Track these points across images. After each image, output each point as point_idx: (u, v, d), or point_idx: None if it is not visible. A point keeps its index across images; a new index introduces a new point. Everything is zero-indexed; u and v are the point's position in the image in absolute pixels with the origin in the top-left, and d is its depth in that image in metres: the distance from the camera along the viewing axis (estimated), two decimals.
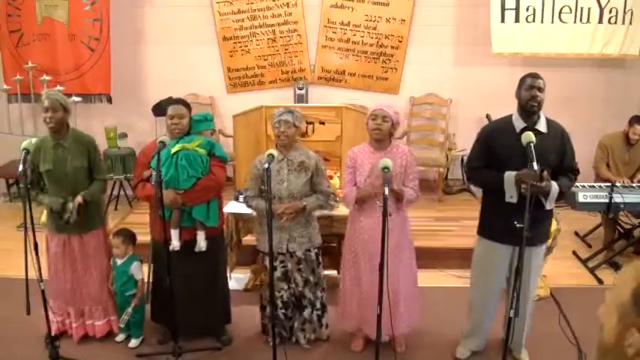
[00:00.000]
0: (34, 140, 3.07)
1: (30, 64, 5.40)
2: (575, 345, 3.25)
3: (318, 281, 3.33)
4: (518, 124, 2.90)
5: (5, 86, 5.50)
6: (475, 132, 3.22)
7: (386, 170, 2.66)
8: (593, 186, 4.40)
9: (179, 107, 3.15)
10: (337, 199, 3.45)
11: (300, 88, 5.83)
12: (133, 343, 3.40)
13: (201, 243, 3.16)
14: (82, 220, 3.14)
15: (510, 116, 2.97)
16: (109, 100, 5.72)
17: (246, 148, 4.30)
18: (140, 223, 4.37)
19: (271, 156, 2.77)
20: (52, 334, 3.19)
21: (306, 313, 3.35)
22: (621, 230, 4.83)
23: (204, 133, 3.26)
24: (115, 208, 5.63)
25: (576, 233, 5.18)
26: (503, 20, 5.48)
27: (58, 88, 4.94)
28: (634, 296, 1.00)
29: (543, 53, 5.54)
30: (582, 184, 4.33)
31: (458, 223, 5.09)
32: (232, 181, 4.87)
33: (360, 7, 5.85)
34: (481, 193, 3.21)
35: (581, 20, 5.47)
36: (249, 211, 3.33)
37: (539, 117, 2.91)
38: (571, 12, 5.46)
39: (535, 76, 2.88)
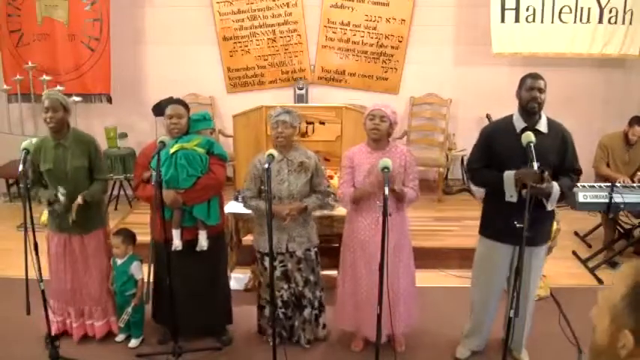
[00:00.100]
0: (34, 140, 3.07)
1: (30, 64, 5.39)
2: (575, 345, 3.25)
3: (317, 281, 3.34)
4: (519, 124, 2.90)
5: (5, 86, 5.50)
6: (475, 132, 3.22)
7: (386, 170, 2.66)
8: (593, 186, 4.39)
9: (177, 107, 3.15)
10: (337, 198, 3.45)
11: (300, 88, 5.83)
12: (133, 343, 3.40)
13: (203, 242, 3.16)
14: (82, 221, 3.14)
15: (511, 116, 2.97)
16: (109, 100, 5.72)
17: (246, 148, 4.30)
18: (140, 223, 4.37)
19: (271, 156, 2.77)
20: (53, 333, 3.19)
21: (307, 312, 3.35)
22: (621, 230, 4.83)
23: (203, 132, 3.26)
24: (115, 208, 5.63)
25: (576, 233, 5.18)
26: (503, 20, 5.48)
27: (58, 88, 4.93)
28: (625, 298, 1.00)
29: (543, 53, 5.54)
30: (582, 184, 4.32)
31: (458, 223, 5.09)
32: (232, 181, 4.87)
33: (360, 7, 5.85)
34: (481, 193, 3.21)
35: (581, 20, 5.47)
36: (249, 211, 3.33)
37: (540, 117, 2.91)
38: (571, 12, 5.46)
39: (535, 76, 2.87)
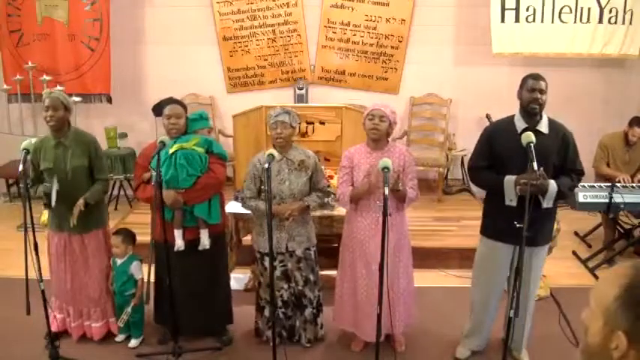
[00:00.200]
0: (34, 140, 3.07)
1: (30, 64, 5.39)
2: (575, 345, 3.25)
3: (317, 280, 3.34)
4: (520, 124, 2.90)
5: (5, 86, 5.50)
6: (475, 132, 3.22)
7: (386, 170, 2.66)
8: (593, 186, 4.39)
9: (176, 107, 3.14)
10: (337, 198, 3.45)
11: (300, 88, 5.83)
12: (133, 343, 3.40)
13: (205, 241, 3.16)
14: (82, 220, 3.14)
15: (512, 116, 2.97)
16: (109, 100, 5.72)
17: (246, 148, 4.30)
18: (140, 223, 4.38)
19: (271, 156, 2.77)
20: (54, 330, 3.19)
21: (307, 312, 3.35)
22: (621, 230, 4.83)
23: (201, 131, 3.26)
24: (115, 208, 5.63)
25: (576, 233, 5.18)
26: (503, 20, 5.47)
27: (58, 88, 4.92)
28: (619, 299, 0.99)
29: (543, 53, 5.53)
30: (582, 184, 4.32)
31: (458, 223, 5.09)
32: (232, 181, 4.87)
33: (360, 7, 5.85)
34: (481, 193, 3.22)
35: (581, 20, 5.47)
36: (248, 211, 3.33)
37: (541, 117, 2.90)
38: (571, 12, 5.46)
39: (537, 77, 2.87)
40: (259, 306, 3.38)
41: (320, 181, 3.26)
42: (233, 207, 3.87)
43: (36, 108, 5.46)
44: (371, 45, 5.95)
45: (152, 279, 3.31)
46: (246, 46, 5.98)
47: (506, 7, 5.45)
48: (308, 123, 4.30)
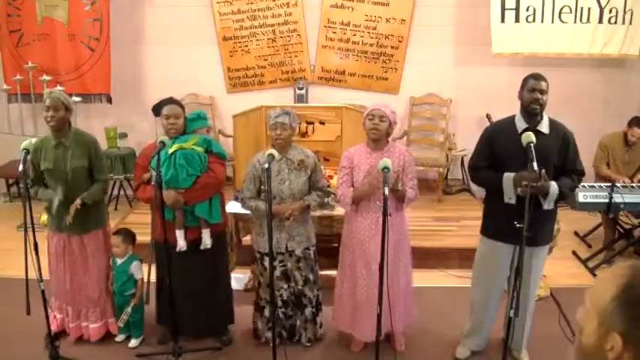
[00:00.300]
0: (34, 140, 3.07)
1: (30, 64, 5.39)
2: None
3: (316, 279, 3.35)
4: (520, 124, 2.90)
5: (5, 86, 5.50)
6: (475, 132, 3.22)
7: (386, 170, 2.66)
8: (593, 186, 4.39)
9: (174, 107, 3.14)
10: (337, 198, 3.45)
11: (300, 88, 5.83)
12: (133, 343, 3.40)
13: (207, 240, 3.17)
14: (81, 221, 3.14)
15: (513, 117, 2.97)
16: (109, 100, 5.72)
17: (246, 148, 4.30)
18: (140, 223, 4.37)
19: (271, 156, 2.77)
20: (54, 330, 3.19)
21: (307, 311, 3.35)
22: (621, 230, 4.82)
23: (199, 131, 3.26)
24: (115, 208, 5.63)
25: (576, 233, 5.18)
26: (503, 20, 5.47)
27: (58, 88, 4.92)
28: (615, 300, 0.99)
29: (543, 53, 5.53)
30: (582, 184, 4.32)
31: (458, 223, 5.09)
32: (232, 181, 4.87)
33: (360, 7, 5.85)
34: (481, 193, 3.22)
35: (581, 20, 5.47)
36: (248, 211, 3.33)
37: (542, 118, 2.90)
38: (571, 12, 5.46)
39: (538, 77, 2.86)
40: (259, 306, 3.38)
41: (319, 180, 3.26)
42: (233, 207, 3.87)
43: (36, 108, 5.46)
44: (371, 45, 5.95)
45: (152, 279, 3.31)
46: (246, 46, 5.98)
47: (506, 7, 5.45)
48: (308, 123, 4.30)
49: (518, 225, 2.63)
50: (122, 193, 5.81)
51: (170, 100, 3.21)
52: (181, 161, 3.07)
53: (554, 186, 2.81)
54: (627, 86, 5.99)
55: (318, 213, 3.66)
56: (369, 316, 3.02)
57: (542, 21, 5.47)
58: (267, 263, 3.13)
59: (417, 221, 4.63)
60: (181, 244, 3.13)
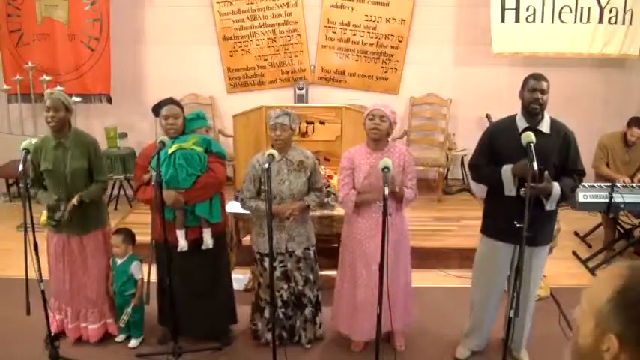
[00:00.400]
0: (34, 140, 3.07)
1: (30, 64, 5.39)
2: None
3: (316, 279, 3.35)
4: (521, 124, 2.90)
5: (5, 86, 5.50)
6: (475, 132, 3.23)
7: (386, 170, 2.65)
8: (593, 186, 4.39)
9: (173, 107, 3.14)
10: (340, 200, 3.45)
11: (300, 88, 5.83)
12: (133, 343, 3.40)
13: (208, 240, 3.17)
14: (81, 221, 3.14)
15: (514, 116, 2.97)
16: (109, 100, 5.72)
17: (246, 148, 4.30)
18: (140, 223, 4.37)
19: (271, 156, 2.77)
20: (53, 331, 3.19)
21: (307, 311, 3.35)
22: (621, 230, 4.82)
23: (199, 131, 3.26)
24: (115, 208, 5.63)
25: (576, 233, 5.18)
26: (503, 20, 5.47)
27: (58, 88, 4.93)
28: (611, 301, 0.98)
29: (543, 53, 5.53)
30: (582, 184, 4.32)
31: (457, 223, 5.09)
32: (232, 181, 4.87)
33: (360, 7, 5.85)
34: (481, 193, 3.22)
35: (581, 20, 5.47)
36: (248, 212, 3.33)
37: (542, 117, 2.90)
38: (571, 12, 5.46)
39: (538, 77, 2.86)
40: (258, 307, 3.37)
41: (318, 181, 3.27)
42: (233, 207, 3.87)
43: (36, 108, 5.46)
44: (371, 45, 5.95)
45: (153, 279, 3.31)
46: (246, 46, 5.98)
47: (506, 7, 5.44)
48: (308, 123, 4.30)
49: (518, 225, 2.63)
50: (122, 193, 5.81)
51: (169, 101, 3.21)
52: (181, 161, 3.07)
53: (556, 187, 2.81)
54: (627, 86, 5.98)
55: (318, 213, 3.66)
56: (368, 315, 3.02)
57: (542, 21, 5.47)
58: (266, 264, 3.13)
59: (417, 221, 4.63)
60: (182, 244, 3.13)
